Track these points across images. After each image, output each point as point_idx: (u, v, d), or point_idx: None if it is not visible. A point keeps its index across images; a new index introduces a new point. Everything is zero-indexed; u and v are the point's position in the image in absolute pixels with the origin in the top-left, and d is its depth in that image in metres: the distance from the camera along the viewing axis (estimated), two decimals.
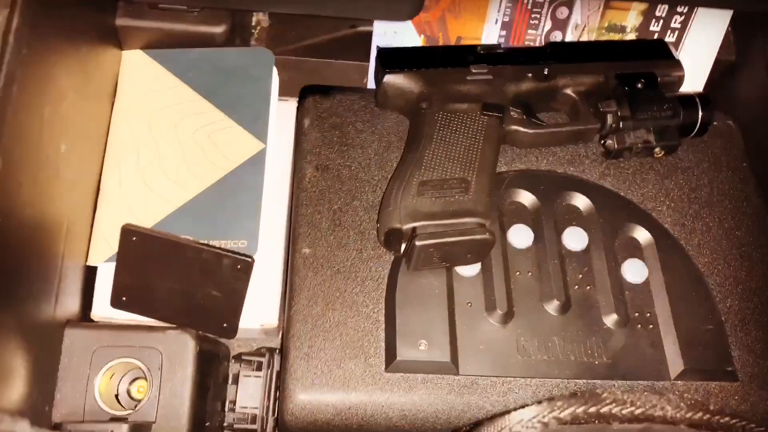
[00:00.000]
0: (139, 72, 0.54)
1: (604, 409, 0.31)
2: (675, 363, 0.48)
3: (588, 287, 0.50)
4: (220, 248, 0.46)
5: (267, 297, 0.50)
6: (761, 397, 0.47)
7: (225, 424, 0.51)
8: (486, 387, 0.46)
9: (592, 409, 0.31)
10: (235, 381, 0.50)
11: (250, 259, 0.46)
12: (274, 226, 0.52)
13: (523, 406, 0.33)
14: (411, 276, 0.49)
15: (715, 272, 0.52)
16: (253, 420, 0.50)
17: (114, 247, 0.48)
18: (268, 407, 0.51)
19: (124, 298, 0.48)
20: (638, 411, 0.32)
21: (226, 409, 0.51)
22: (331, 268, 0.49)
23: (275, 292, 0.51)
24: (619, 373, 0.47)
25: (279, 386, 0.49)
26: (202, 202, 0.50)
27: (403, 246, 0.48)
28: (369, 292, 0.49)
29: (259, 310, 0.50)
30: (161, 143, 0.51)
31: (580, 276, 0.51)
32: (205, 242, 0.46)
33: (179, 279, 0.47)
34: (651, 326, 0.49)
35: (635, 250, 0.52)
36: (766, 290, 0.51)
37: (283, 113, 0.56)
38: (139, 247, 0.46)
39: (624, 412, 0.32)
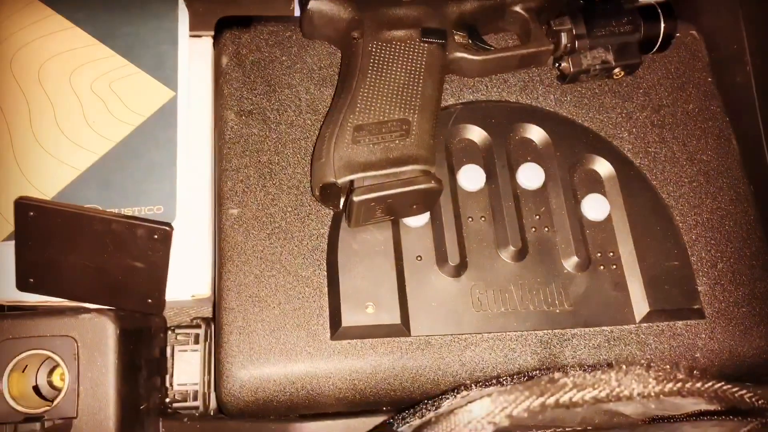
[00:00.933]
0: (20, 15, 0.46)
1: (564, 398, 0.28)
2: (640, 305, 0.45)
3: (546, 229, 0.46)
4: (131, 217, 0.41)
5: (196, 265, 0.45)
6: (729, 333, 0.45)
7: (167, 400, 0.47)
8: (441, 346, 0.43)
9: (551, 400, 0.28)
10: (163, 355, 0.46)
11: (167, 228, 0.41)
12: (197, 186, 0.46)
13: (470, 402, 0.29)
14: (353, 233, 0.44)
15: (681, 202, 0.48)
16: (195, 396, 0.46)
17: (12, 224, 0.42)
18: (209, 382, 0.47)
19: (31, 280, 0.42)
20: (603, 394, 0.29)
21: (167, 384, 0.47)
22: (263, 229, 0.44)
23: (205, 258, 0.46)
24: (581, 321, 0.44)
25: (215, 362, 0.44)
26: (108, 164, 0.44)
27: (342, 201, 0.43)
28: (308, 254, 0.44)
29: (189, 280, 0.45)
30: (55, 98, 0.44)
31: (537, 217, 0.47)
32: (115, 211, 0.41)
33: (90, 254, 0.42)
34: (614, 267, 0.46)
35: (596, 184, 0.48)
36: (733, 218, 0.48)
37: (196, 53, 0.49)
38: (38, 222, 0.40)
39: (587, 397, 0.28)
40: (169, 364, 0.46)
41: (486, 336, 0.43)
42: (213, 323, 0.47)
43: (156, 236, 0.41)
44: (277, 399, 0.41)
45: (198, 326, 0.47)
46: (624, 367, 0.31)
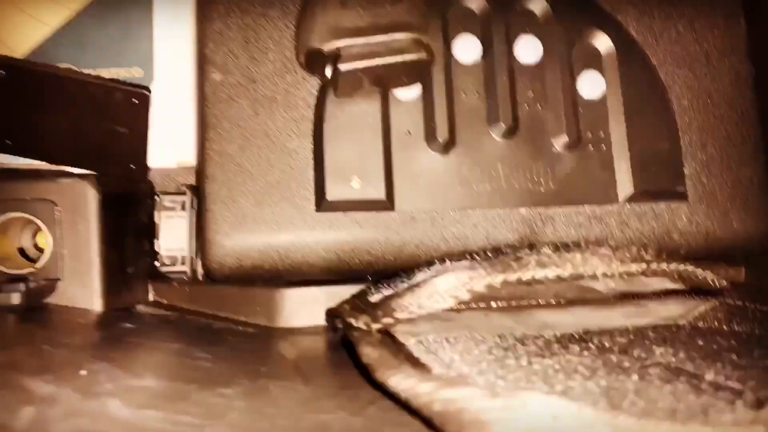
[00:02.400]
0: None
1: (527, 275, 0.29)
2: (625, 185, 0.45)
3: (539, 106, 0.45)
4: (108, 80, 0.39)
5: (180, 131, 0.44)
6: (708, 216, 0.45)
7: (156, 264, 0.48)
8: (424, 222, 0.43)
9: (512, 277, 0.28)
10: (157, 221, 0.46)
11: (146, 91, 0.39)
12: (178, 48, 0.44)
13: (434, 276, 0.30)
14: (340, 103, 0.43)
15: (678, 83, 0.47)
16: (183, 261, 0.47)
17: None
18: (196, 248, 0.47)
19: (8, 141, 0.41)
20: (566, 273, 0.29)
21: (152, 250, 0.47)
22: (247, 96, 0.43)
23: (189, 124, 0.45)
24: (564, 199, 0.44)
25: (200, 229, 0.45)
26: (84, 21, 0.41)
27: (327, 68, 0.41)
28: (294, 124, 0.43)
29: (173, 145, 0.44)
30: None
31: (531, 93, 0.45)
32: (92, 72, 0.39)
33: (67, 117, 0.40)
34: (603, 147, 0.45)
35: (594, 60, 0.46)
36: (729, 101, 0.47)
37: None
38: (11, 82, 0.39)
39: (550, 275, 0.29)
40: (157, 230, 0.47)
41: (470, 212, 0.43)
42: (196, 190, 0.47)
43: (135, 100, 0.40)
44: (262, 267, 0.42)
45: (184, 193, 0.47)
46: (591, 247, 0.32)
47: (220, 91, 0.43)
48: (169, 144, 0.44)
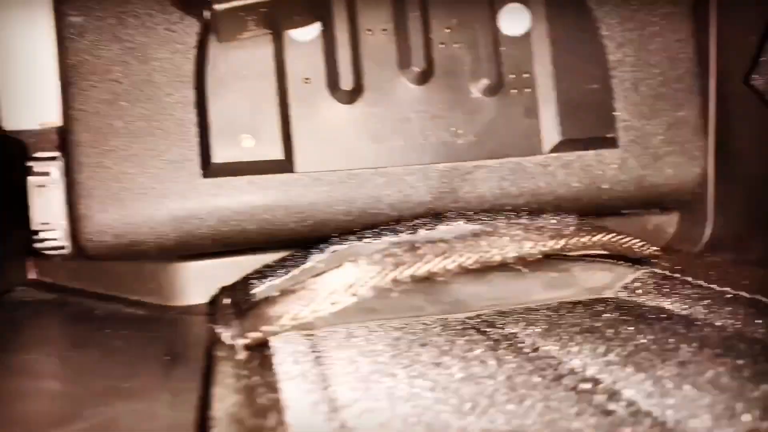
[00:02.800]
0: None
1: (423, 269, 0.25)
2: (551, 134, 0.41)
3: (456, 45, 0.40)
4: None
5: (40, 88, 0.38)
6: (640, 162, 0.42)
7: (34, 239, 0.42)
8: (330, 184, 0.38)
9: (406, 273, 0.24)
10: (27, 191, 0.40)
11: None
12: None
13: (330, 269, 0.26)
14: (225, 49, 0.37)
15: (611, 15, 0.42)
16: (61, 235, 0.41)
17: None
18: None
19: None
20: (470, 261, 0.26)
21: (26, 222, 0.42)
22: (115, 43, 0.36)
23: (50, 80, 0.38)
24: (485, 152, 0.40)
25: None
26: None
27: (205, 9, 0.35)
28: (171, 75, 0.37)
29: (34, 104, 0.38)
30: None
31: (448, 30, 0.40)
32: None
33: None
34: (528, 90, 0.41)
35: None
36: (664, 35, 0.42)
37: None
38: None
39: (450, 266, 0.25)
40: (27, 200, 0.41)
41: (381, 171, 0.39)
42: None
43: None
44: (146, 243, 0.37)
45: (54, 159, 0.40)
46: (501, 226, 0.28)
47: (82, 36, 0.36)
48: (29, 102, 0.37)
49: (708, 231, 0.44)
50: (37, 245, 0.41)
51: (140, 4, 0.37)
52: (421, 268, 0.25)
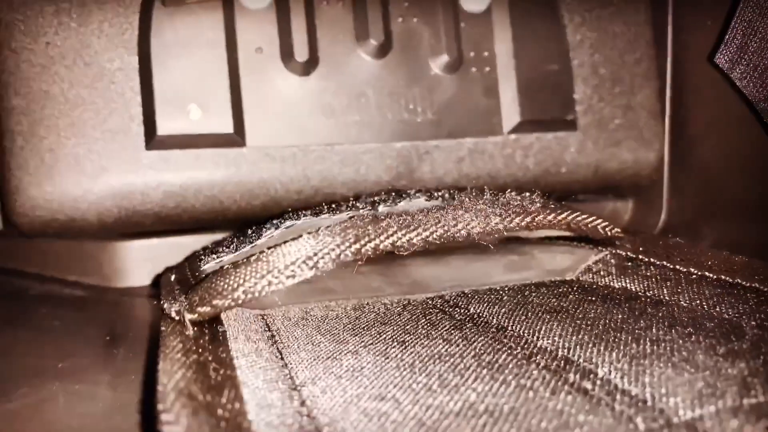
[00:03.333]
0: None
1: (386, 242, 0.23)
2: (511, 114, 0.40)
3: (415, 19, 0.39)
4: None
5: None
6: (598, 145, 0.41)
7: None
8: (283, 159, 0.36)
9: (369, 246, 0.23)
10: None
11: None
12: None
13: (287, 242, 0.24)
14: (171, 14, 0.35)
15: None
16: None
17: None
18: None
19: None
20: (435, 235, 0.24)
21: None
22: (53, 3, 0.33)
23: None
24: (444, 131, 0.39)
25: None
26: None
27: None
28: (114, 42, 0.34)
29: None
30: None
31: (406, 4, 0.39)
32: None
33: None
34: (488, 69, 0.40)
35: None
36: (624, 17, 0.42)
37: None
38: None
39: (415, 239, 0.24)
40: None
41: (337, 148, 0.37)
42: None
43: None
44: (85, 219, 0.34)
45: None
46: (466, 201, 0.27)
47: None
48: None
49: (663, 217, 0.44)
50: None
51: None
52: (385, 241, 0.23)
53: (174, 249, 0.37)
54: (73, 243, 0.38)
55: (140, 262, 0.37)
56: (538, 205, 0.28)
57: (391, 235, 0.24)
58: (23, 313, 0.32)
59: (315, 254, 0.23)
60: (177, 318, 0.22)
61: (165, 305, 0.24)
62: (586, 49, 0.41)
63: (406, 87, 0.38)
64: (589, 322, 0.24)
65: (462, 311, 0.26)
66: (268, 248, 0.24)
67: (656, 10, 0.42)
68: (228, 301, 0.22)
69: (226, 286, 0.22)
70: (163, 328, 0.21)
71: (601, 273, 0.31)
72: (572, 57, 0.41)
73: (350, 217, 0.25)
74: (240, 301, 0.22)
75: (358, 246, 0.23)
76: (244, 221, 0.37)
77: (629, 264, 0.31)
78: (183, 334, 0.21)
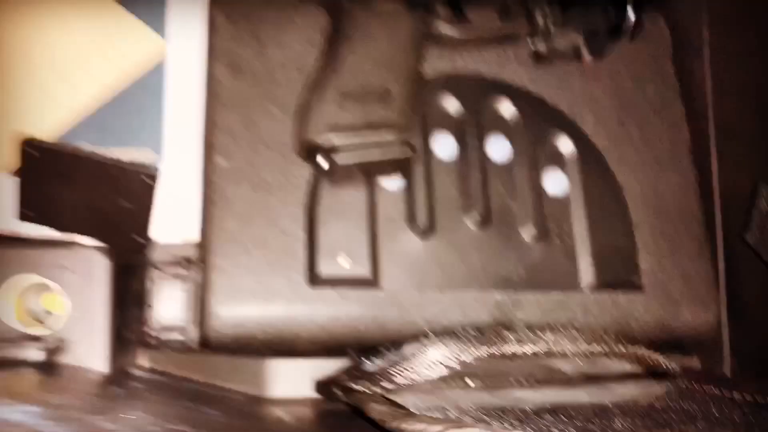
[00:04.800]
0: None
1: (508, 350, 0.32)
2: (587, 275, 0.50)
3: (509, 200, 0.50)
4: (122, 160, 0.43)
5: (185, 210, 0.48)
6: (662, 307, 0.50)
7: (149, 332, 0.50)
8: (407, 301, 0.47)
9: (496, 350, 0.32)
10: (156, 291, 0.49)
11: (154, 170, 0.43)
12: (186, 133, 0.49)
13: (426, 348, 0.33)
14: (331, 189, 0.48)
15: (633, 184, 0.52)
16: (176, 330, 0.50)
17: (10, 159, 0.44)
18: (191, 317, 0.50)
19: (30, 212, 0.44)
20: (541, 349, 0.33)
21: (149, 317, 0.50)
22: (248, 180, 0.47)
23: (194, 204, 0.48)
24: (533, 285, 0.49)
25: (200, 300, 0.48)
26: (104, 109, 0.46)
27: (322, 160, 0.46)
28: (289, 206, 0.47)
29: (179, 223, 0.48)
30: (54, 46, 0.46)
31: (502, 188, 0.51)
32: (107, 152, 0.43)
33: (85, 191, 0.44)
34: (567, 239, 0.50)
35: (558, 160, 0.52)
36: (677, 203, 0.52)
37: (190, 5, 0.50)
38: (40, 161, 0.43)
39: (528, 351, 0.33)
40: (153, 299, 0.49)
41: (448, 294, 0.47)
42: (198, 263, 0.50)
43: (144, 177, 0.43)
44: (256, 337, 0.45)
45: (182, 264, 0.50)
46: (561, 329, 0.36)
47: (224, 174, 0.47)
48: (174, 220, 0.47)
49: (727, 372, 0.51)
50: (156, 336, 0.49)
51: (270, 154, 0.48)
52: (507, 348, 0.32)
53: (314, 368, 0.47)
54: (235, 358, 0.48)
55: (287, 377, 0.47)
56: (613, 337, 0.37)
57: (511, 345, 0.33)
58: (200, 413, 0.42)
59: (459, 351, 0.32)
60: (367, 391, 0.31)
61: (352, 384, 0.32)
62: (647, 227, 0.51)
63: (503, 250, 0.49)
64: (652, 419, 0.31)
65: (558, 413, 0.34)
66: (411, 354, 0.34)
67: (702, 183, 0.52)
68: (403, 380, 0.31)
69: (399, 371, 0.31)
70: (359, 396, 0.30)
71: (664, 399, 0.38)
72: (636, 233, 0.51)
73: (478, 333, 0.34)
74: (411, 382, 0.31)
75: (488, 349, 0.32)
76: (370, 347, 0.46)
77: (688, 392, 0.38)
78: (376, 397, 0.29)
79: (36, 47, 0.46)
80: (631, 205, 0.52)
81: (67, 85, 0.45)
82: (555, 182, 0.51)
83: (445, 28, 0.51)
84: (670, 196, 0.53)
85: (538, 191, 0.51)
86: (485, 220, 0.49)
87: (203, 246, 0.46)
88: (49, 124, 0.45)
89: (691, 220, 0.52)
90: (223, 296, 0.45)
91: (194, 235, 0.48)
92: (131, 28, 0.47)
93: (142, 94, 0.46)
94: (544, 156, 0.52)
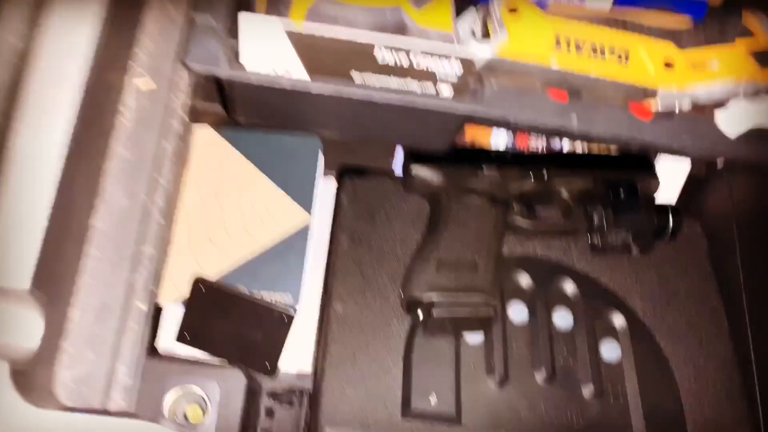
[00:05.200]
0: (208, 145, 0.64)
1: None
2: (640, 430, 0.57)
3: (571, 362, 0.60)
4: (269, 302, 0.56)
5: (303, 345, 0.59)
6: None
7: None
8: None
9: None
10: (270, 414, 0.59)
11: (293, 312, 0.56)
12: (312, 284, 0.62)
13: None
14: (425, 339, 0.59)
15: (678, 356, 0.61)
16: None
17: (180, 292, 0.57)
18: None
19: (186, 336, 0.57)
20: None
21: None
22: (358, 325, 0.59)
23: (310, 341, 0.60)
24: None
25: (308, 422, 0.57)
26: (258, 259, 0.60)
27: (421, 313, 0.57)
28: (390, 350, 0.58)
29: (296, 356, 0.59)
30: (225, 207, 0.61)
31: (565, 352, 0.60)
32: (257, 292, 0.56)
33: (234, 323, 0.56)
34: (621, 400, 0.59)
35: (612, 331, 0.62)
36: (719, 378, 0.61)
37: (324, 187, 0.66)
38: (205, 295, 0.56)
39: None
40: (266, 421, 0.59)
41: None
42: (309, 393, 0.60)
43: (284, 317, 0.56)
44: None
45: (294, 393, 0.60)
46: None
47: (340, 319, 0.59)
48: (294, 354, 0.59)
49: None
50: None
51: (379, 306, 0.60)
52: None
53: None
54: None
55: None
56: None
57: None
58: None
59: None
60: None
61: None
62: (693, 395, 0.59)
63: (566, 404, 0.58)
64: None
65: None
66: None
67: (744, 374, 0.61)
68: None
69: None
70: None
71: None
72: (683, 400, 0.59)
73: None
74: None
75: None
76: None
77: None
78: None
79: (213, 205, 0.61)
80: (677, 374, 0.60)
81: (230, 239, 0.60)
82: (610, 350, 0.61)
83: (520, 221, 0.64)
84: (712, 371, 0.61)
85: (596, 357, 0.61)
86: (551, 377, 0.59)
87: (318, 376, 0.57)
88: (214, 268, 0.59)
89: (731, 391, 0.60)
90: (332, 421, 0.54)
91: (306, 367, 0.59)
92: (285, 204, 0.62)
93: (285, 251, 0.60)
94: (601, 328, 0.62)
